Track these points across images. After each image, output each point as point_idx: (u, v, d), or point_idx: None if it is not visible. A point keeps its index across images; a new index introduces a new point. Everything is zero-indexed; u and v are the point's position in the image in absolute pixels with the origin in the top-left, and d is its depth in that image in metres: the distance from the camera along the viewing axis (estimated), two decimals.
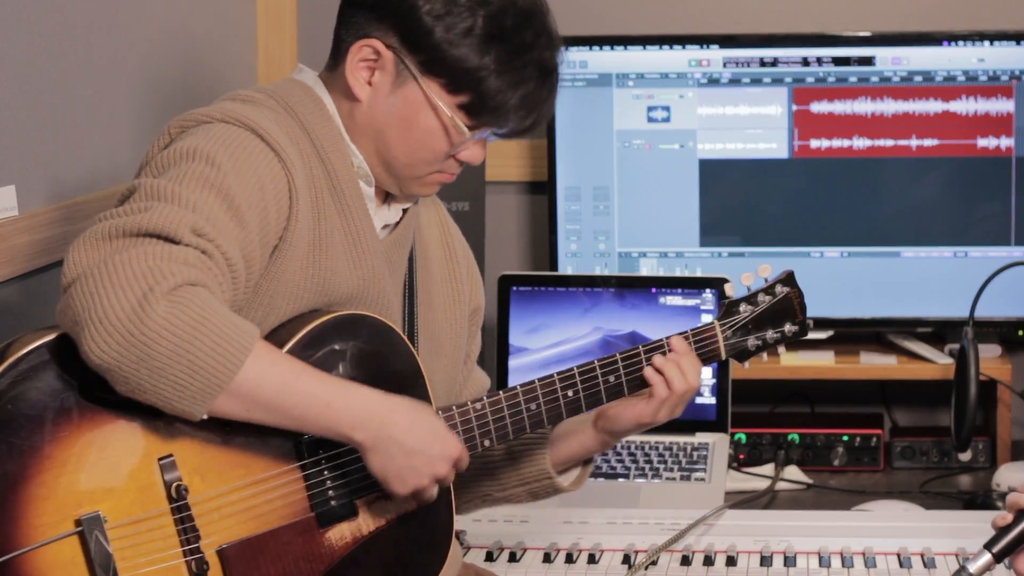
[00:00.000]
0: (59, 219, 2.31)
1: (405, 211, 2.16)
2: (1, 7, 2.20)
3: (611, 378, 2.17)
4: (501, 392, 2.11)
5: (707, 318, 2.98)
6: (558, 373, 2.14)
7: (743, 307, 2.24)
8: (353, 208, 2.05)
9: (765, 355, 2.26)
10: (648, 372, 2.17)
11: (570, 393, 2.14)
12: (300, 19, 3.27)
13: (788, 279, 2.27)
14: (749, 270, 3.15)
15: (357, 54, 2.03)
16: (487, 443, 2.09)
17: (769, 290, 2.25)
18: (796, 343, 3.18)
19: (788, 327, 2.25)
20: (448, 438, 1.99)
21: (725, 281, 2.98)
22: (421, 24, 2.00)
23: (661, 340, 2.19)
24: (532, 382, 2.12)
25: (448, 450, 1.98)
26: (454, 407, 2.08)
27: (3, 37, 2.21)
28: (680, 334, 2.21)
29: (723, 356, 2.23)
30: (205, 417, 1.82)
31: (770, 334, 2.24)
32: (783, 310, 2.25)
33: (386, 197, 2.14)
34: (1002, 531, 1.90)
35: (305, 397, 1.86)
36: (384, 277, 2.09)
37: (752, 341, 2.24)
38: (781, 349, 2.27)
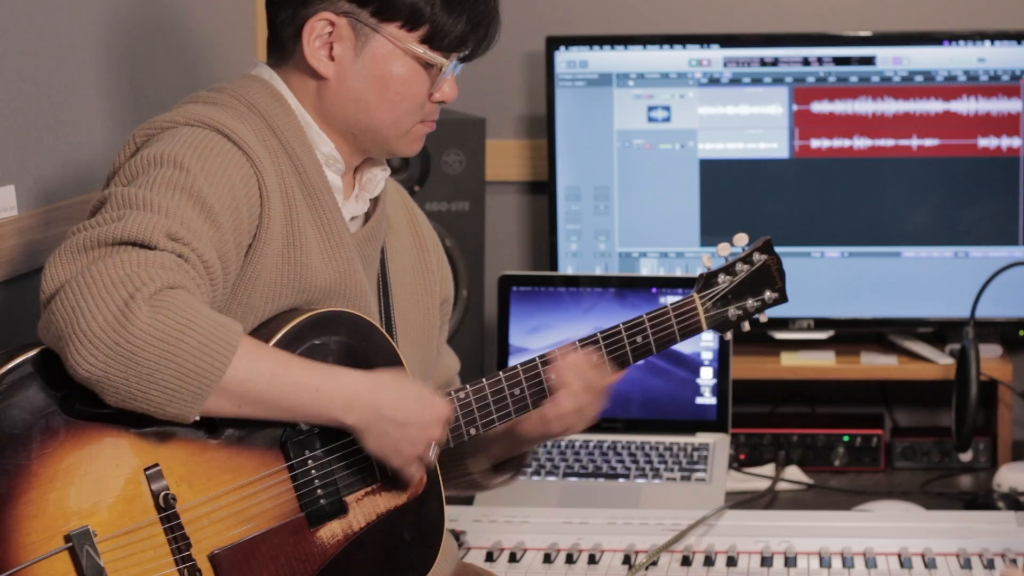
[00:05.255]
0: (59, 219, 2.31)
1: (373, 202, 2.16)
2: (1, 7, 2.20)
3: (593, 357, 2.17)
4: (484, 379, 2.11)
5: None
6: (539, 356, 2.14)
7: (721, 278, 2.24)
8: (323, 201, 2.06)
9: (747, 324, 2.25)
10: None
11: (553, 375, 2.14)
12: None
13: (765, 246, 2.26)
14: None
15: (311, 34, 2.04)
16: (472, 431, 2.10)
17: (747, 259, 2.25)
18: (797, 344, 3.20)
19: (768, 294, 2.25)
20: (436, 402, 2.00)
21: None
22: None
23: (595, 335, 2.18)
24: (514, 367, 2.13)
25: (437, 412, 2.00)
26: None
27: (3, 37, 2.20)
28: (659, 309, 2.20)
29: (704, 328, 2.23)
30: (198, 418, 1.82)
31: (750, 303, 2.24)
32: (762, 278, 2.25)
33: (353, 187, 2.15)
34: None
35: (294, 387, 1.86)
36: (358, 269, 2.10)
37: (733, 311, 2.24)
38: (763, 318, 2.27)
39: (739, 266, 2.24)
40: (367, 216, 2.17)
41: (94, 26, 2.47)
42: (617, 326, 2.18)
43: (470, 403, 2.10)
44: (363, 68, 2.05)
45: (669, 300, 2.25)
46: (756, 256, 2.25)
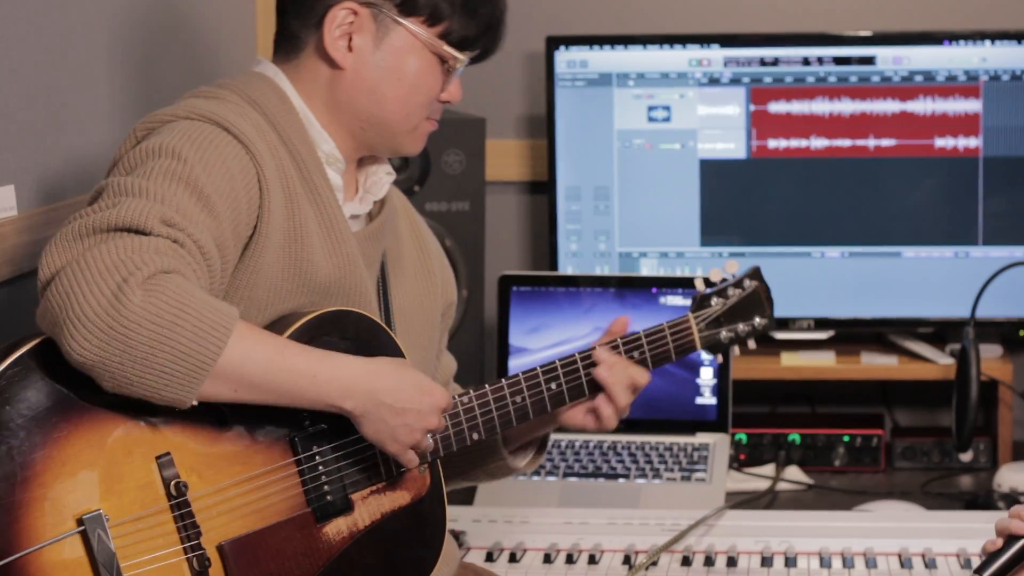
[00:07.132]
0: (58, 219, 2.31)
1: (377, 204, 2.18)
2: (1, 7, 2.20)
3: (592, 371, 2.20)
4: (487, 385, 2.13)
5: None
6: (541, 366, 2.17)
7: (714, 300, 2.29)
8: (324, 197, 2.07)
9: (737, 349, 2.31)
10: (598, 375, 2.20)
11: (553, 386, 2.17)
12: None
13: (755, 274, 2.32)
14: None
15: (333, 23, 2.07)
16: (475, 436, 2.11)
17: (738, 284, 2.30)
18: (797, 344, 3.20)
19: (757, 320, 2.30)
20: (434, 389, 2.00)
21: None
22: None
23: (629, 335, 2.23)
24: (516, 375, 2.15)
25: (436, 401, 2.00)
26: None
27: (3, 37, 2.20)
28: (656, 327, 2.24)
29: (698, 347, 2.28)
30: (195, 403, 1.82)
31: (741, 327, 2.29)
32: (752, 304, 2.30)
33: (355, 187, 2.17)
34: (992, 556, 1.89)
35: (291, 373, 1.87)
36: (360, 266, 2.10)
37: (724, 334, 2.29)
38: (751, 344, 2.32)
39: (731, 291, 2.30)
40: (370, 217, 2.18)
41: (95, 25, 2.47)
42: (615, 340, 2.22)
43: (472, 408, 2.11)
44: (381, 60, 2.08)
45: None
46: (747, 283, 2.31)
